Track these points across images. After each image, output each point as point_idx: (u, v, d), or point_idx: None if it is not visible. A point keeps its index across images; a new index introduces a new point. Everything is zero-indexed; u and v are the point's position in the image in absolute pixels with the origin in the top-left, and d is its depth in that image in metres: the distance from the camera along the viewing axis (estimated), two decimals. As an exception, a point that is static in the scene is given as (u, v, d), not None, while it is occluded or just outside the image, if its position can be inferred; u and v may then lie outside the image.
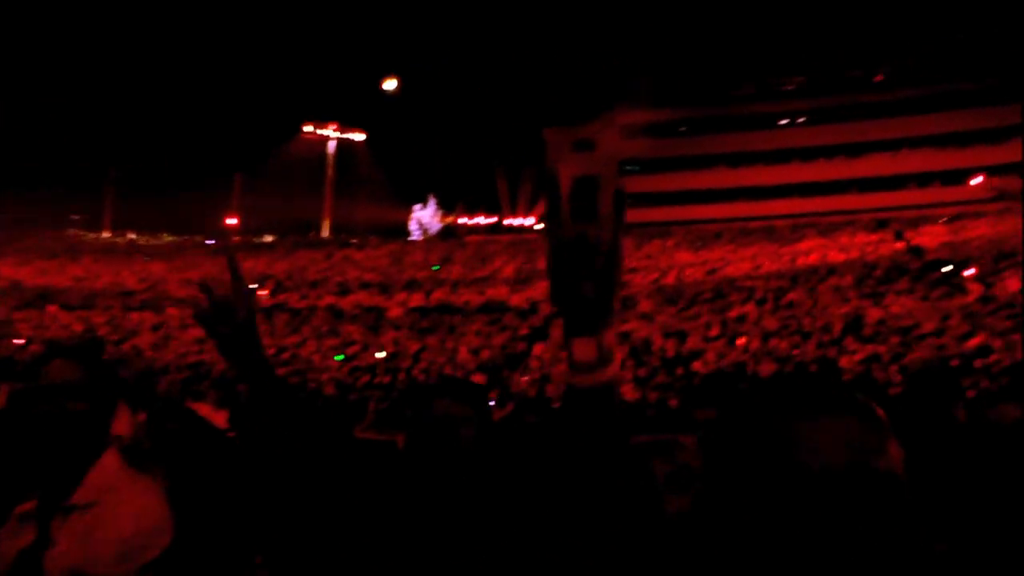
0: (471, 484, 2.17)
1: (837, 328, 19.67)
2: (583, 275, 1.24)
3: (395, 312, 27.73)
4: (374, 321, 26.11)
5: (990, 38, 51.10)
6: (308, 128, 64.37)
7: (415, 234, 60.07)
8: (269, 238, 57.11)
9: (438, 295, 30.22)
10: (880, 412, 1.11)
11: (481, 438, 2.25)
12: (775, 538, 1.05)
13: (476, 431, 2.25)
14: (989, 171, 46.47)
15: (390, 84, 56.08)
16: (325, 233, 62.37)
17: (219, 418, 6.32)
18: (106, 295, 34.15)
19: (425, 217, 61.75)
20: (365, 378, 18.83)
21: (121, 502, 2.14)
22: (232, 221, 60.51)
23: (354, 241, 50.97)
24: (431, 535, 2.04)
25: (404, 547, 2.02)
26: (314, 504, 2.02)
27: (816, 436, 1.07)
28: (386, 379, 18.40)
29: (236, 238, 56.38)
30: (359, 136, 65.45)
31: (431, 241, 53.59)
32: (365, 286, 34.03)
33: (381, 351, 21.34)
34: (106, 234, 64.02)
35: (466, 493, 2.13)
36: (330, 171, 65.43)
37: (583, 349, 1.27)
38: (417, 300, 29.54)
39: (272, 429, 1.89)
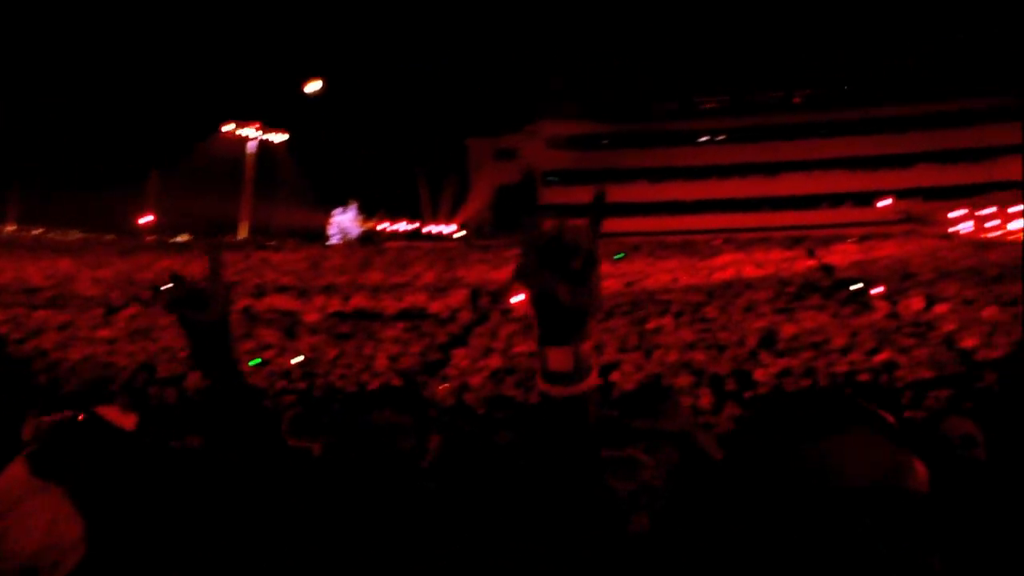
0: (412, 496, 2.12)
1: (752, 342, 20.06)
2: (560, 280, 1.16)
3: (312, 317, 27.37)
4: (290, 325, 25.73)
5: (902, 68, 52.96)
6: (228, 127, 63.18)
7: (334, 238, 59.52)
8: (184, 237, 55.97)
9: (357, 300, 29.93)
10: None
11: (422, 449, 2.21)
12: (802, 561, 1.02)
13: (417, 441, 2.21)
14: (897, 194, 48.09)
15: (313, 86, 55.41)
16: (243, 234, 61.32)
17: (128, 422, 6.11)
18: (8, 291, 32.90)
19: (345, 221, 61.23)
20: (281, 383, 18.52)
21: (29, 515, 2.00)
22: (147, 219, 59.11)
23: (272, 243, 50.22)
24: (365, 548, 1.99)
25: (337, 560, 1.97)
26: (241, 514, 1.96)
27: (842, 457, 1.05)
28: (302, 385, 18.12)
29: (150, 237, 55.03)
30: (280, 137, 64.54)
31: (350, 246, 53.12)
32: (282, 289, 33.54)
33: (298, 356, 21.02)
34: (10, 228, 61.95)
35: (407, 505, 2.08)
36: (249, 171, 64.34)
37: (559, 359, 1.20)
38: (335, 305, 29.20)
39: (236, 430, 1.82)
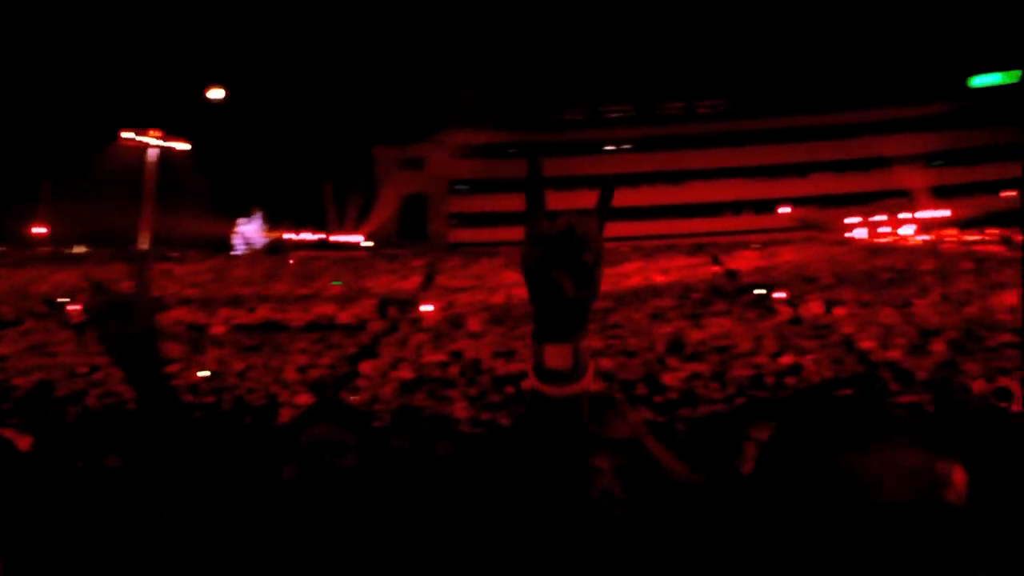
0: (357, 514, 2.05)
1: (660, 347, 20.38)
2: (566, 272, 1.12)
3: (218, 329, 26.79)
4: (195, 339, 25.12)
5: (800, 81, 54.63)
6: (127, 134, 61.15)
7: (239, 248, 58.30)
8: (81, 249, 54.04)
9: (263, 312, 29.41)
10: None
11: (366, 467, 2.15)
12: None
13: (360, 459, 2.15)
14: (795, 202, 49.57)
15: (216, 93, 54.21)
16: (143, 245, 59.48)
17: (24, 443, 5.87)
18: None
19: (250, 231, 60.03)
20: (187, 398, 18.08)
21: None
22: (40, 230, 56.87)
23: (175, 254, 48.89)
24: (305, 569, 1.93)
25: None
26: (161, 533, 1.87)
27: (883, 470, 1.01)
28: (210, 399, 17.71)
29: (47, 248, 53.02)
30: (183, 145, 62.80)
31: (256, 256, 52.15)
32: (186, 302, 32.74)
33: (203, 370, 20.53)
34: None
35: (353, 523, 2.02)
36: (150, 180, 62.46)
37: (557, 356, 1.15)
38: (241, 317, 28.64)
39: (167, 447, 1.72)
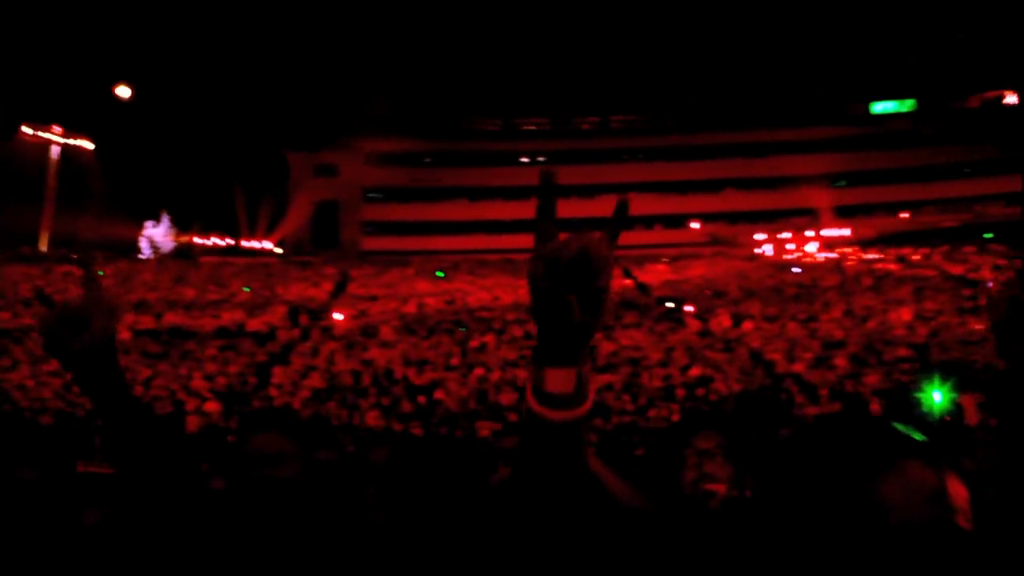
0: (296, 527, 2.00)
1: (572, 359, 20.53)
2: (578, 297, 1.06)
3: (123, 335, 26.02)
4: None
5: (712, 99, 55.93)
6: (27, 130, 59.01)
7: (146, 252, 56.75)
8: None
9: (170, 318, 28.68)
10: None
11: (308, 477, 2.09)
12: None
13: (303, 468, 2.08)
14: (705, 217, 50.63)
15: (123, 91, 52.88)
16: (43, 247, 57.46)
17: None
18: None
19: (157, 235, 58.47)
20: (87, 406, 17.50)
21: None
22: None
23: (77, 257, 47.29)
24: None
25: None
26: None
27: (900, 494, 1.01)
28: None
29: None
30: (87, 144, 60.93)
31: (163, 260, 50.89)
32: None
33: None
34: None
35: (292, 537, 1.96)
36: (52, 179, 60.45)
37: (560, 381, 1.10)
38: (147, 323, 27.88)
39: (135, 464, 1.63)
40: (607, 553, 1.81)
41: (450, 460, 2.08)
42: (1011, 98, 53.83)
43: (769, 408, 3.20)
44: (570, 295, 1.06)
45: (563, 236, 1.12)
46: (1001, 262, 32.35)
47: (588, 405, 1.12)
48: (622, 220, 1.16)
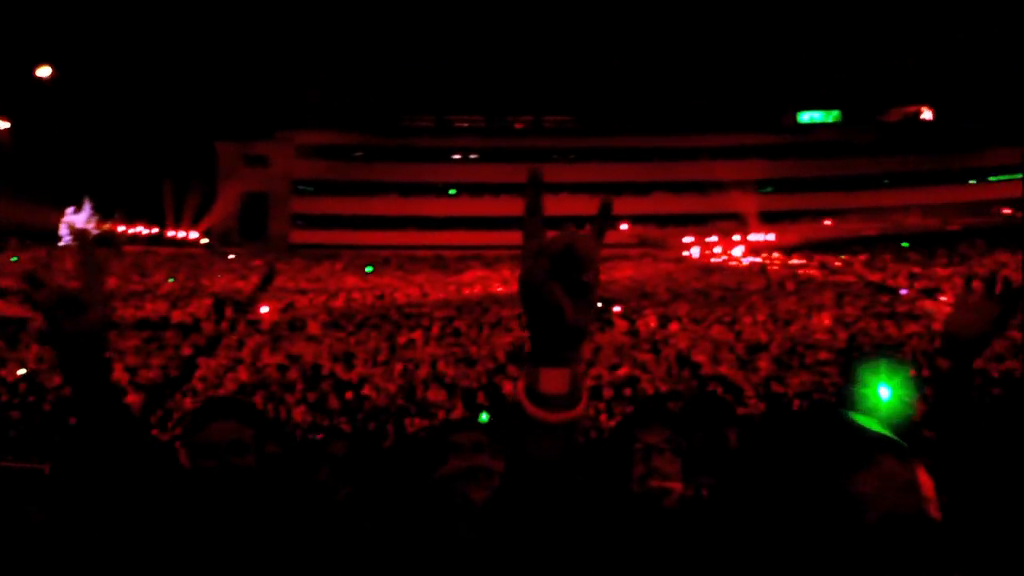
0: (254, 516, 1.97)
1: (501, 356, 20.56)
2: (567, 295, 1.05)
3: (39, 324, 25.25)
4: (13, 334, 23.59)
5: (644, 101, 56.58)
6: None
7: (66, 239, 55.08)
8: None
9: (90, 307, 27.94)
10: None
11: (263, 466, 2.06)
12: None
13: (258, 457, 2.06)
14: (634, 219, 51.14)
15: (43, 71, 51.19)
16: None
17: None
18: None
19: (79, 221, 56.77)
20: (4, 398, 16.98)
21: None
22: None
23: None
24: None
25: None
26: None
27: (875, 488, 1.03)
28: (30, 399, 16.69)
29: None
30: (2, 124, 58.78)
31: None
32: (2, 294, 30.74)
33: (22, 368, 19.31)
34: None
35: (250, 526, 1.93)
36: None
37: (554, 381, 1.09)
38: (65, 311, 27.10)
39: (113, 456, 1.58)
40: (586, 550, 1.81)
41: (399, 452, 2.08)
42: (927, 114, 55.75)
43: (714, 407, 3.23)
44: (557, 289, 1.05)
45: (550, 234, 1.11)
46: (916, 270, 33.35)
47: (583, 406, 1.11)
48: (606, 218, 1.16)
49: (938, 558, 1.08)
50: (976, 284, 2.15)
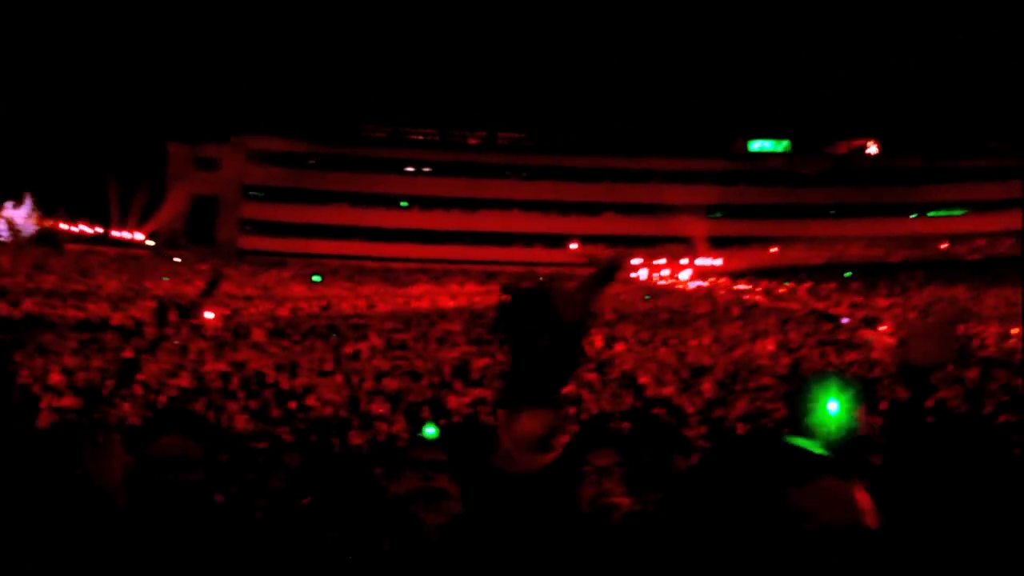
0: (203, 536, 1.94)
1: (447, 371, 20.52)
2: (547, 337, 1.03)
3: (-28, 321, 24.65)
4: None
5: (597, 121, 57.06)
6: None
7: (3, 236, 53.85)
8: None
9: (28, 306, 27.35)
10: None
11: (211, 482, 2.02)
12: None
13: (205, 474, 2.03)
14: (583, 239, 51.47)
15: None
16: None
17: None
18: None
19: (17, 217, 55.47)
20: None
21: None
22: None
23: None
24: None
25: None
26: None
27: (819, 501, 1.09)
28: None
29: None
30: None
31: (23, 245, 48.42)
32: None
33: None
34: None
35: (200, 544, 1.90)
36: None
37: (532, 423, 1.05)
38: (2, 310, 26.51)
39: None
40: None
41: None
42: (873, 148, 57.09)
43: (660, 429, 3.29)
44: (530, 325, 1.04)
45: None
46: (858, 299, 34.00)
47: (559, 450, 1.10)
48: (608, 276, 1.16)
49: (875, 564, 1.13)
50: (936, 311, 2.23)
